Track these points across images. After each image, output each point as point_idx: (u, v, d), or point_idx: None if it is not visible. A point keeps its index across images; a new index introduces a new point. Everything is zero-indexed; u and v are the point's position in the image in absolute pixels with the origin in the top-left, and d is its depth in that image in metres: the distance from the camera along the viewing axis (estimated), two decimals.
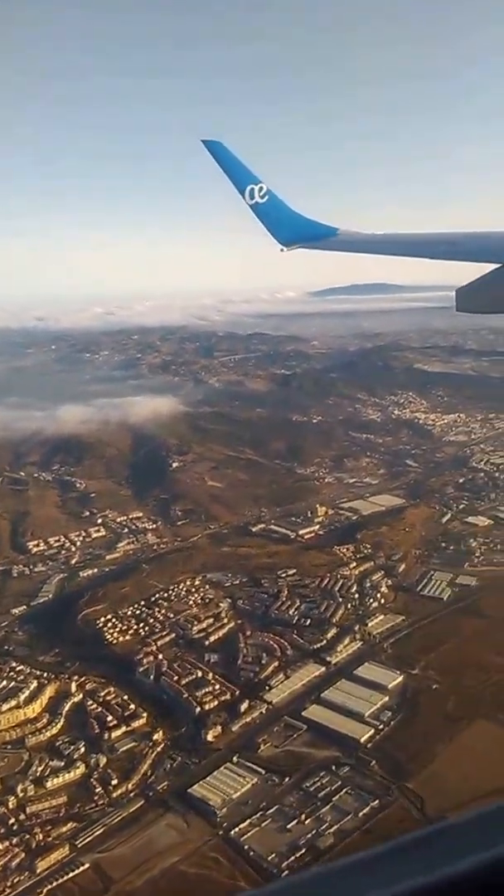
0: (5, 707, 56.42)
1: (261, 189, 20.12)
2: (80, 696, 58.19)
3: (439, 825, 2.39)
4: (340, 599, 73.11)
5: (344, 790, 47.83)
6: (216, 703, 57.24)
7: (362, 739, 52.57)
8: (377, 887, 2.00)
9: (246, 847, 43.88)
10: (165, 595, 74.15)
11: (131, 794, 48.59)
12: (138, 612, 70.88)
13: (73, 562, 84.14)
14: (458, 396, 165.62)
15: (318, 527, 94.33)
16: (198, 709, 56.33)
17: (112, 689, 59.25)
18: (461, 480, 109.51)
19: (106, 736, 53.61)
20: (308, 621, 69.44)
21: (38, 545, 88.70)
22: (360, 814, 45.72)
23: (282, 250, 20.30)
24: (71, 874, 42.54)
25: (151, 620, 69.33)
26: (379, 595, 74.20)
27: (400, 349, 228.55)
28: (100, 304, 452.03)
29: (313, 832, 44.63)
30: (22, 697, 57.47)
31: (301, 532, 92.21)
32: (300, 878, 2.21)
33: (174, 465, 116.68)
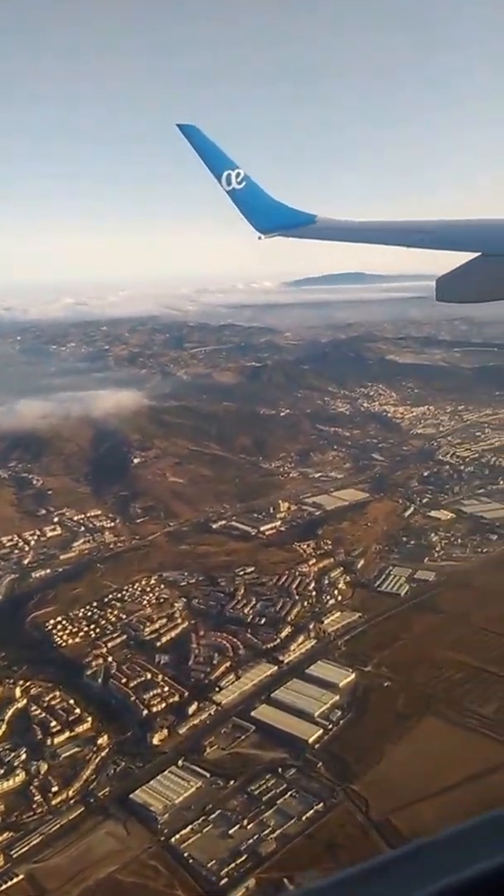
0: None
1: (238, 175, 19.69)
2: (25, 701, 56.78)
3: (426, 840, 2.27)
4: (297, 597, 72.33)
5: (289, 793, 47.08)
6: (164, 705, 56.21)
7: (310, 740, 51.85)
8: None
9: (185, 854, 42.96)
10: (119, 595, 72.88)
11: (71, 802, 47.40)
12: (90, 613, 69.54)
13: (26, 562, 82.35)
14: (429, 388, 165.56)
15: (279, 523, 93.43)
16: (145, 712, 55.27)
17: (58, 693, 57.90)
18: (426, 474, 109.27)
19: (49, 742, 52.32)
20: (263, 620, 68.58)
21: None
22: (304, 817, 44.98)
23: (260, 238, 19.94)
24: (3, 886, 41.38)
25: (103, 622, 68.03)
26: (336, 592, 73.54)
27: (373, 340, 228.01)
28: (72, 294, 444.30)
29: (255, 837, 43.81)
30: None
31: (262, 528, 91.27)
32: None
33: (136, 461, 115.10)
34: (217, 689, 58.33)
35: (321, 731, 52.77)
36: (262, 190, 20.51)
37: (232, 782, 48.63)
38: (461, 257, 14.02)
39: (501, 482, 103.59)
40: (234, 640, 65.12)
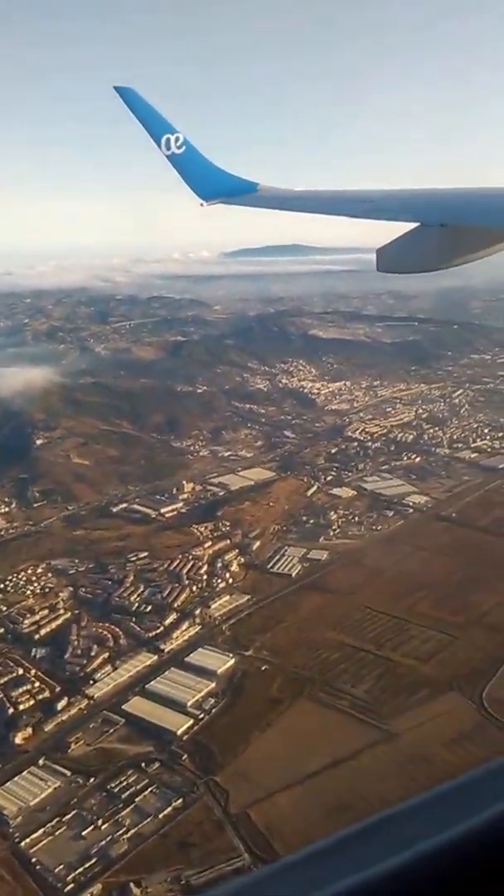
0: None
1: (177, 139, 19.23)
2: None
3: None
4: (187, 582, 71.12)
5: (149, 789, 46.05)
6: (33, 702, 54.34)
7: (179, 731, 50.88)
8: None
9: (34, 860, 41.57)
10: (1, 586, 70.30)
11: None
12: None
13: None
14: (348, 364, 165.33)
15: (181, 504, 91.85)
16: (11, 710, 53.33)
17: None
18: (333, 451, 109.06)
19: None
20: (149, 607, 67.17)
21: None
22: (161, 815, 44.03)
23: (202, 205, 19.58)
24: None
25: None
26: (228, 575, 72.61)
27: (299, 314, 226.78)
28: (1, 263, 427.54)
29: (108, 838, 42.68)
30: None
31: (163, 511, 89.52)
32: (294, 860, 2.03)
33: (39, 442, 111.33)
34: (91, 682, 56.73)
35: (191, 722, 51.85)
36: (203, 156, 20.04)
37: (92, 780, 47.31)
38: (399, 229, 14.15)
39: (405, 458, 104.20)
40: (116, 629, 63.57)
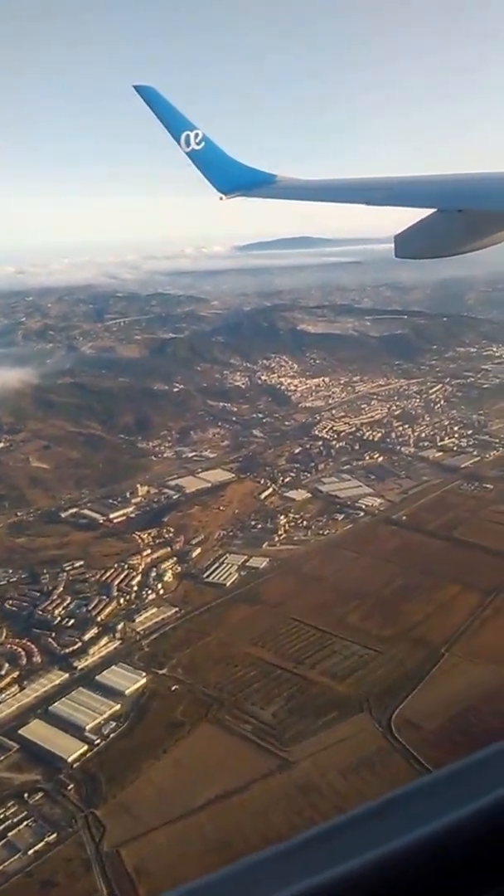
0: None
1: (196, 135, 19.64)
2: None
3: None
4: (116, 593, 68.85)
5: (26, 822, 43.89)
6: None
7: (71, 758, 48.63)
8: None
9: None
10: None
11: None
12: None
13: None
14: (331, 359, 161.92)
15: (132, 509, 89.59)
16: None
17: None
18: (297, 451, 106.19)
19: None
20: (72, 621, 65.00)
21: None
22: (32, 851, 41.83)
23: (221, 199, 19.91)
24: None
25: None
26: (160, 586, 70.25)
27: (289, 309, 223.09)
28: (16, 261, 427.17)
29: None
30: None
31: (112, 516, 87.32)
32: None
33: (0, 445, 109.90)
34: None
35: (86, 748, 49.59)
36: (222, 150, 20.40)
37: None
38: (412, 217, 14.27)
39: (368, 457, 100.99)
40: (32, 645, 61.44)
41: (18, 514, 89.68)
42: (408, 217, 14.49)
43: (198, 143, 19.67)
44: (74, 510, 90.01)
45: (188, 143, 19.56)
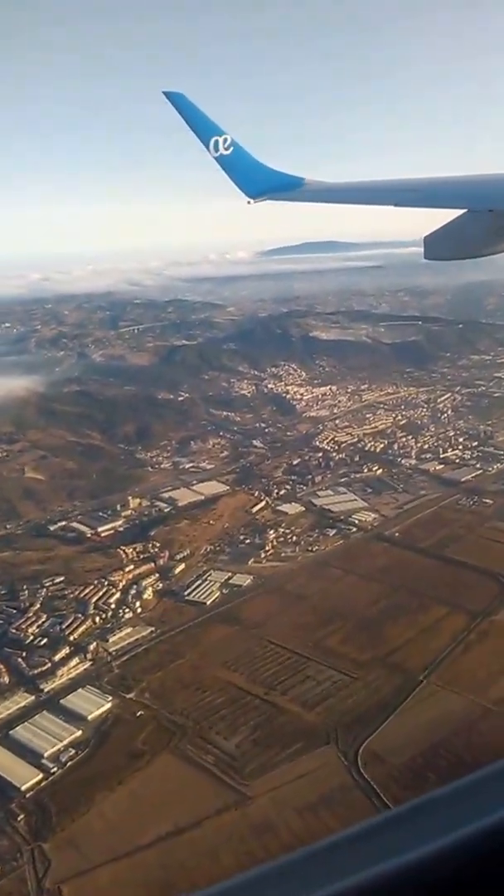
0: None
1: (225, 140, 19.76)
2: None
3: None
4: (92, 611, 67.14)
5: None
6: None
7: (24, 787, 46.92)
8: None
9: None
10: None
11: None
12: None
13: None
14: (341, 367, 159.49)
15: (122, 522, 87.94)
16: None
17: None
18: (295, 462, 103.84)
19: None
20: (44, 640, 63.41)
21: None
22: None
23: (249, 203, 19.96)
24: None
25: None
26: (139, 604, 68.48)
27: (303, 315, 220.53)
28: (43, 268, 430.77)
29: None
30: None
31: (100, 529, 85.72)
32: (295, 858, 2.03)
33: None
34: None
35: (41, 776, 47.85)
36: (250, 155, 20.49)
37: None
38: (440, 219, 14.23)
39: (367, 470, 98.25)
40: (0, 666, 59.97)
41: (8, 526, 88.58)
42: (435, 219, 14.41)
43: (226, 148, 19.80)
44: (64, 523, 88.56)
45: (217, 148, 19.70)
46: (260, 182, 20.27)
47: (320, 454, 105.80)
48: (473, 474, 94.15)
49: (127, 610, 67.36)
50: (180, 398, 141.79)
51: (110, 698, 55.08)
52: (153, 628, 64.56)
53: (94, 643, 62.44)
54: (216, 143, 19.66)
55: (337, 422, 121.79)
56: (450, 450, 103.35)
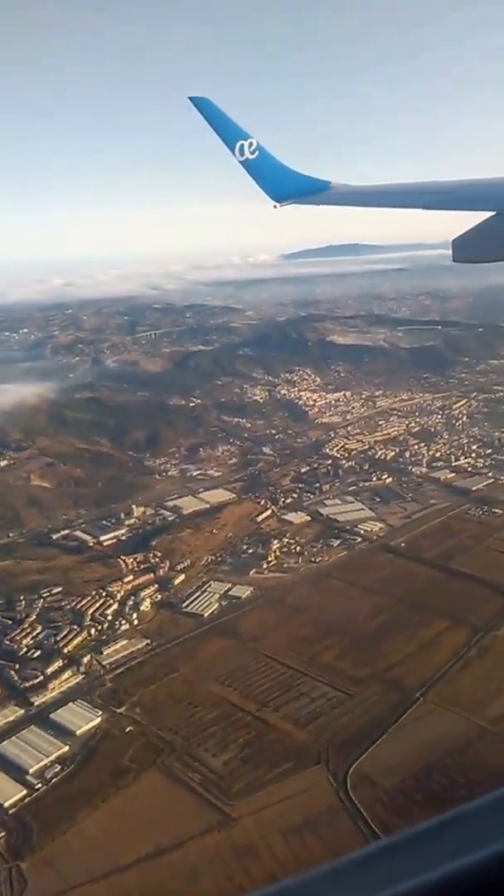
0: None
1: (251, 144, 19.77)
2: None
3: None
4: (88, 623, 66.29)
5: None
6: None
7: (7, 804, 46.09)
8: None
9: None
10: None
11: None
12: None
13: None
14: (357, 372, 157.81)
15: (125, 530, 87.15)
16: None
17: None
18: (304, 470, 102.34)
19: None
20: (38, 652, 62.64)
21: None
22: None
23: (275, 206, 19.95)
24: None
25: None
26: (136, 615, 67.47)
27: (321, 319, 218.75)
28: (66, 273, 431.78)
29: None
30: None
31: (103, 538, 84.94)
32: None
33: (3, 463, 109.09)
34: None
35: (25, 793, 47.00)
36: (276, 158, 20.42)
37: None
38: (467, 222, 14.09)
39: (376, 478, 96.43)
40: None
41: (10, 535, 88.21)
42: (461, 221, 14.26)
43: (252, 153, 19.75)
44: (67, 532, 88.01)
45: (242, 153, 19.67)
46: (286, 186, 20.25)
47: (329, 462, 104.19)
48: (485, 483, 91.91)
49: (123, 622, 66.41)
50: (192, 404, 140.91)
51: (100, 713, 54.12)
52: (148, 641, 63.48)
53: (88, 656, 61.54)
54: (242, 147, 19.68)
55: (349, 428, 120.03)
56: (462, 458, 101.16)
